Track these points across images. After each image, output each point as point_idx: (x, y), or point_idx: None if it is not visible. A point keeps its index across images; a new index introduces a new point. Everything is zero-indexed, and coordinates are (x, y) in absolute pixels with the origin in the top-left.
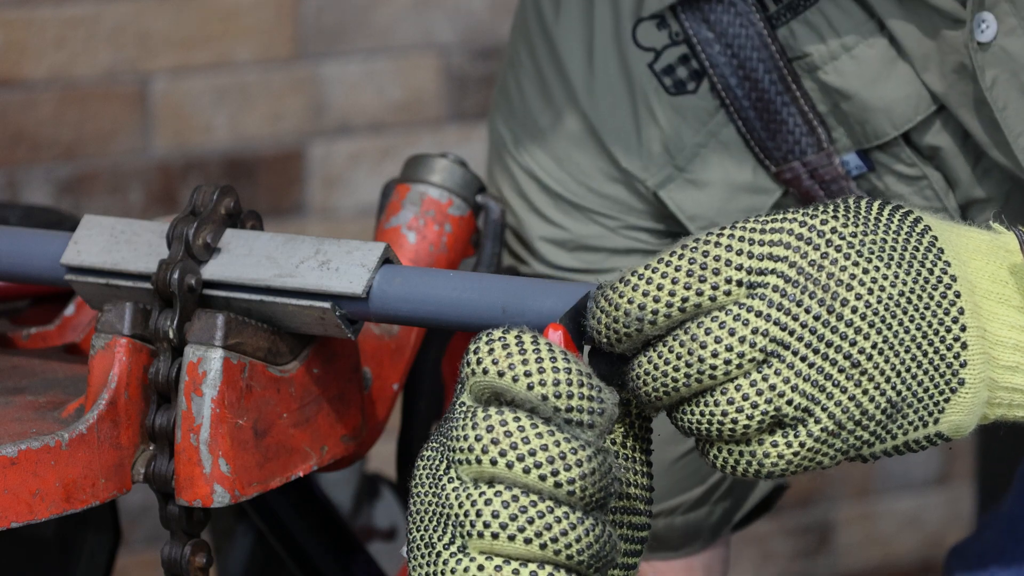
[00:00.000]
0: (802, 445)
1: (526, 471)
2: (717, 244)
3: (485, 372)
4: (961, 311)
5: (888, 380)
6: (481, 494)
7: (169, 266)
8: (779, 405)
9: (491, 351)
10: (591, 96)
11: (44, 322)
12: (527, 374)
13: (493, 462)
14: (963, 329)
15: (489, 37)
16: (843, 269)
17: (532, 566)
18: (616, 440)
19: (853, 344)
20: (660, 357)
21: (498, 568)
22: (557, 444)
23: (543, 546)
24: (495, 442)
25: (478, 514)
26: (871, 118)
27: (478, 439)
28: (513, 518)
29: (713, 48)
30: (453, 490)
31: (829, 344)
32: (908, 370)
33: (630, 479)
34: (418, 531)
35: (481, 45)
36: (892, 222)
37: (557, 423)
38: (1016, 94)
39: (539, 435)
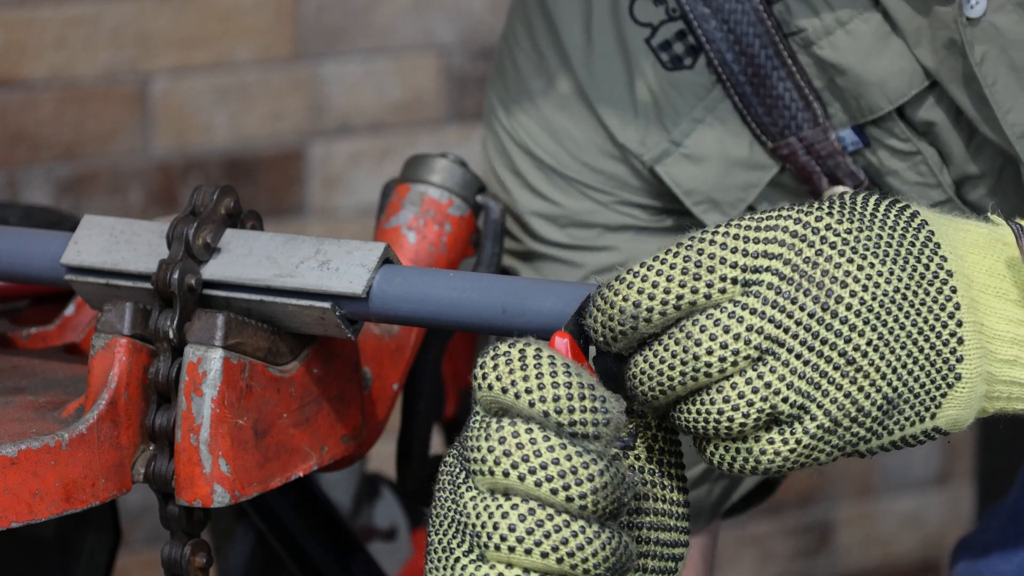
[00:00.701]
0: (798, 442)
1: (538, 484)
2: (712, 242)
3: (490, 388)
4: (957, 306)
5: (884, 377)
6: (498, 506)
7: (169, 266)
8: (775, 403)
9: (495, 367)
10: (588, 71)
11: (44, 322)
12: (528, 391)
13: (506, 474)
14: (959, 324)
15: (489, 37)
16: (838, 266)
17: None
18: (640, 456)
19: (848, 341)
20: (656, 356)
21: None
22: (568, 458)
23: (559, 560)
24: (507, 454)
25: (495, 527)
26: (865, 92)
27: (491, 451)
28: (529, 532)
29: (709, 24)
30: (471, 499)
31: (824, 341)
32: (904, 366)
33: (658, 494)
34: (437, 536)
35: (481, 45)
36: (888, 217)
37: (565, 435)
38: (1005, 70)
39: (550, 448)
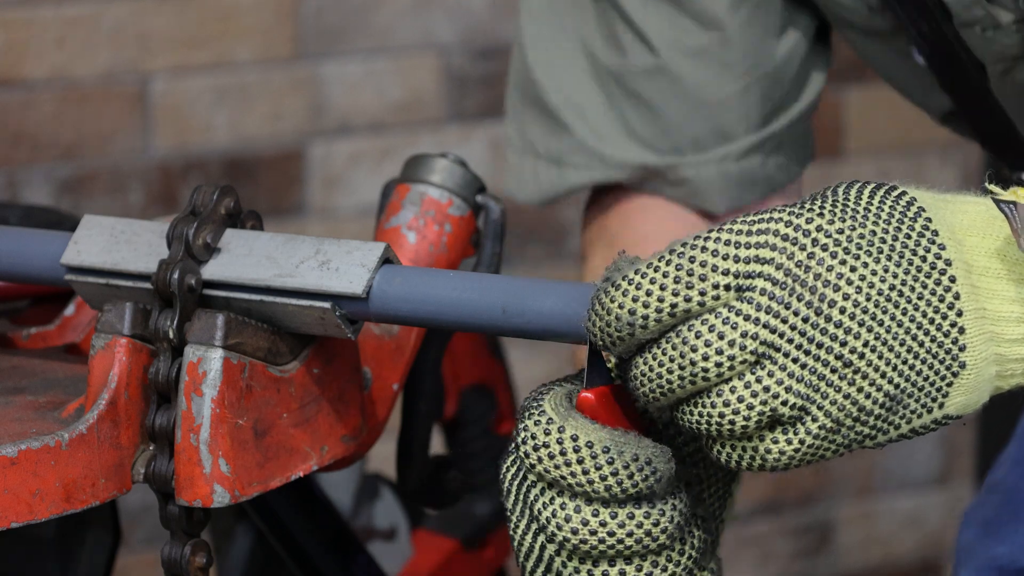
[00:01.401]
0: (802, 442)
1: (615, 551)
2: (704, 249)
3: (539, 476)
4: (957, 296)
5: (884, 375)
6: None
7: (169, 266)
8: (774, 406)
9: (540, 459)
10: None
11: (44, 322)
12: (579, 484)
13: (576, 548)
14: (959, 314)
15: (489, 37)
16: (830, 269)
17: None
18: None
19: (844, 344)
20: (655, 359)
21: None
22: (633, 527)
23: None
24: (574, 532)
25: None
26: None
27: (559, 527)
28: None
29: None
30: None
31: (819, 345)
32: (905, 363)
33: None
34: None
35: (481, 45)
36: (883, 210)
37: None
38: None
39: (615, 519)
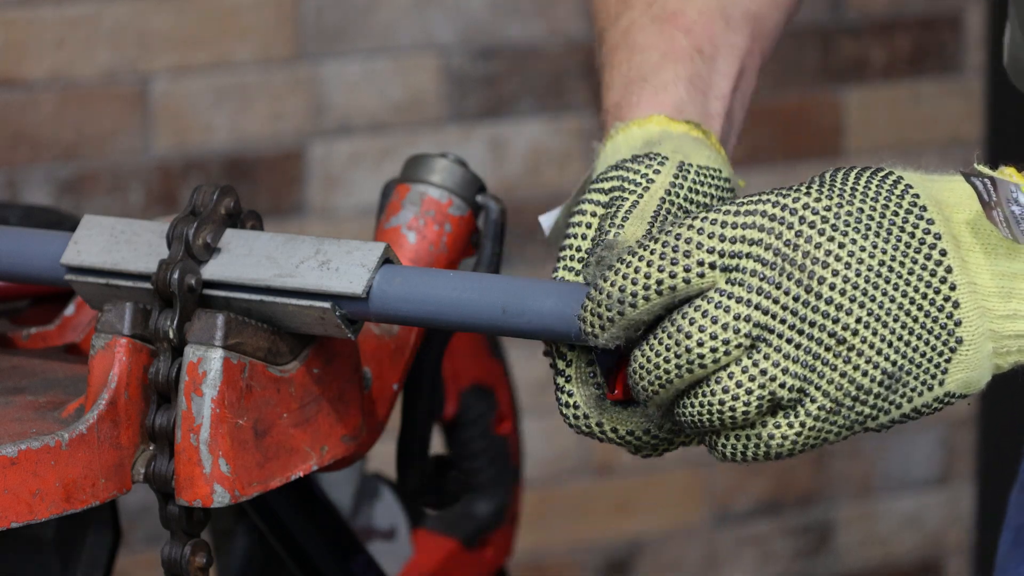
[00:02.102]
0: (803, 425)
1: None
2: (691, 227)
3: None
4: (949, 269)
5: (880, 352)
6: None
7: (169, 266)
8: (773, 389)
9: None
10: None
11: (44, 322)
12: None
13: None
14: (952, 288)
15: (489, 37)
16: (818, 246)
17: None
18: None
19: (836, 321)
20: (652, 350)
21: None
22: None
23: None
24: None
25: None
26: None
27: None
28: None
29: None
30: None
31: (812, 324)
32: (901, 339)
33: None
34: None
35: (481, 45)
36: (870, 189)
37: None
38: None
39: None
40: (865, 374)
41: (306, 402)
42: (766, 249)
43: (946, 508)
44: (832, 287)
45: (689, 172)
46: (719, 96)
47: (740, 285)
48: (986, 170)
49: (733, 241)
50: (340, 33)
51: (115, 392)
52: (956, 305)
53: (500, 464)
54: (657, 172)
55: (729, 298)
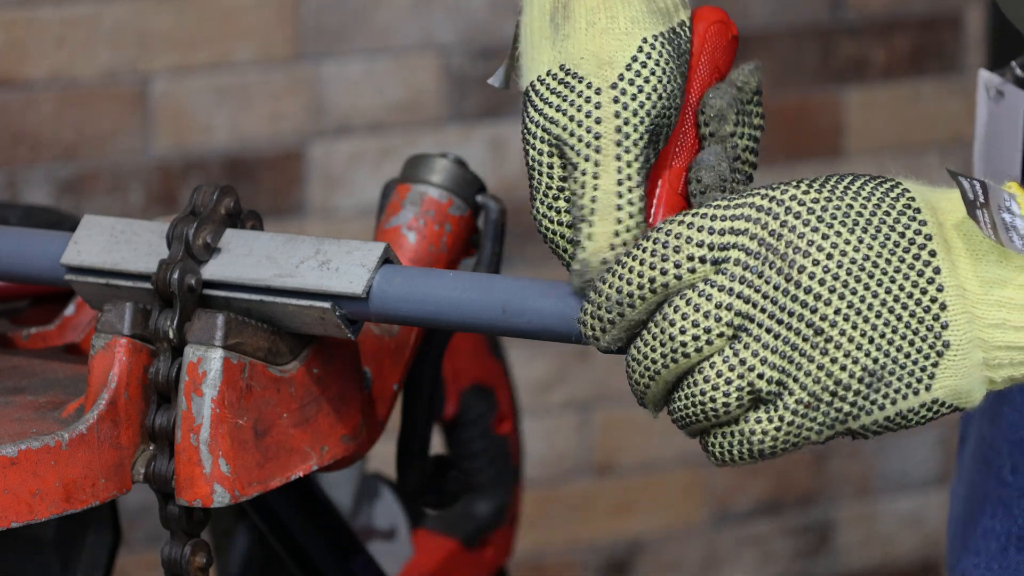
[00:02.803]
0: (782, 419)
1: None
2: (681, 223)
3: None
4: (937, 270)
5: (860, 347)
6: None
7: (169, 266)
8: (752, 380)
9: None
10: None
11: (44, 322)
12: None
13: None
14: (940, 289)
15: (489, 37)
16: (801, 236)
17: None
18: None
19: (814, 311)
20: (642, 342)
21: None
22: None
23: None
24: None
25: None
26: None
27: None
28: None
29: None
30: None
31: (792, 313)
32: (883, 336)
33: None
34: None
35: (481, 45)
36: (864, 189)
37: None
38: None
39: None
40: (844, 368)
41: (306, 402)
42: (751, 239)
43: (946, 508)
44: (811, 276)
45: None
46: None
47: (724, 274)
48: (990, 181)
49: (722, 233)
50: (340, 33)
51: (115, 392)
52: (943, 307)
53: (500, 464)
54: (599, 121)
55: (712, 287)
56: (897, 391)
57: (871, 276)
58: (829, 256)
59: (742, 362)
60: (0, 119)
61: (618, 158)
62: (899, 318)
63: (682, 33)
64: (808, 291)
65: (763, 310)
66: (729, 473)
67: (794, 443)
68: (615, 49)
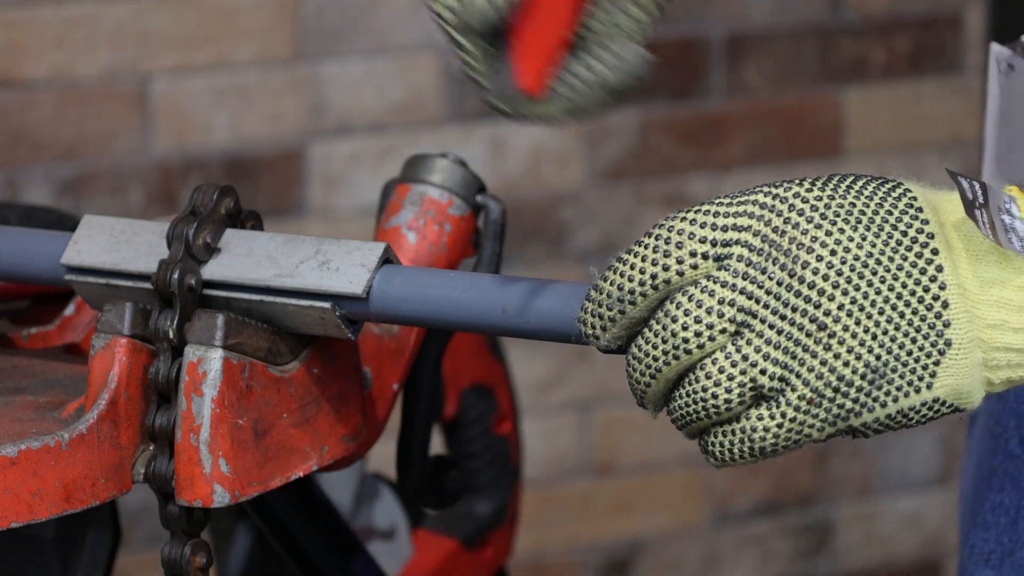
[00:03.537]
0: (784, 416)
1: None
2: (683, 219)
3: None
4: (939, 269)
5: (863, 344)
6: None
7: (169, 266)
8: (754, 376)
9: None
10: None
11: (44, 322)
12: None
13: None
14: (942, 288)
15: None
16: (804, 232)
17: None
18: None
19: (818, 307)
20: (644, 339)
21: None
22: None
23: None
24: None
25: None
26: None
27: None
28: None
29: None
30: None
31: (795, 309)
32: (885, 332)
33: None
34: None
35: None
36: (866, 187)
37: None
38: None
39: None
40: (847, 364)
41: (306, 402)
42: (754, 235)
43: (946, 508)
44: (815, 272)
45: None
46: None
47: (727, 270)
48: (990, 183)
49: (725, 230)
50: (340, 33)
51: (115, 392)
52: (945, 305)
53: (500, 464)
54: None
55: (715, 283)
56: (899, 388)
57: (874, 273)
58: (833, 253)
59: (744, 358)
60: (0, 119)
61: None
62: (902, 315)
63: None
64: (812, 287)
65: (766, 306)
66: (729, 473)
67: (795, 440)
68: None
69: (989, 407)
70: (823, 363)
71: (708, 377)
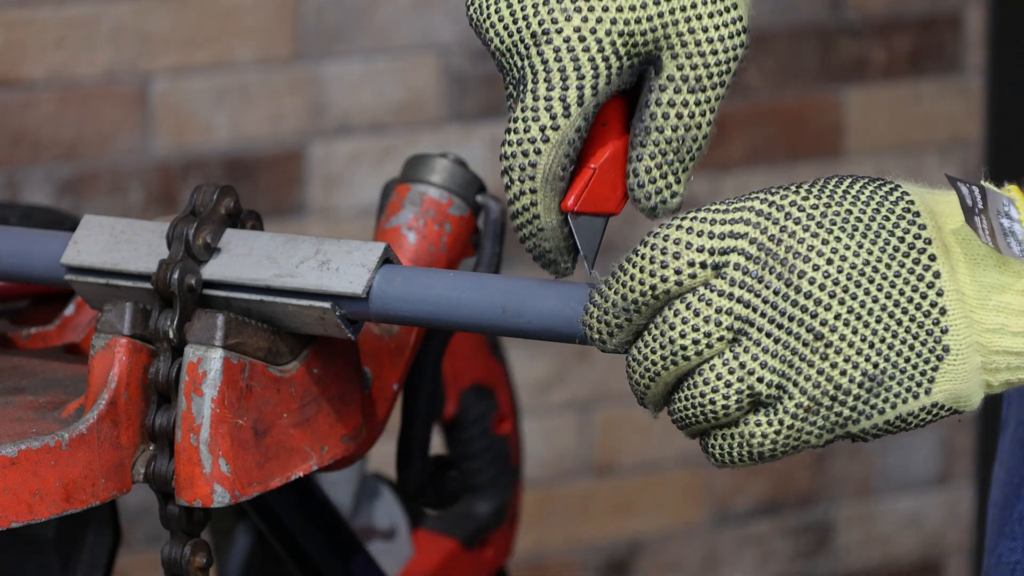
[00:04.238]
0: (781, 423)
1: None
2: (679, 227)
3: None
4: (937, 275)
5: (860, 352)
6: None
7: (169, 266)
8: (751, 383)
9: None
10: None
11: (44, 322)
12: None
13: None
14: (940, 293)
15: None
16: (801, 241)
17: None
18: None
19: (815, 316)
20: (644, 344)
21: None
22: None
23: None
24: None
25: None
26: None
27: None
28: None
29: None
30: None
31: (792, 318)
32: (883, 340)
33: None
34: None
35: (481, 45)
36: (863, 193)
37: None
38: None
39: None
40: (844, 373)
41: (306, 402)
42: (751, 243)
43: (946, 508)
44: (812, 282)
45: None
46: None
47: (724, 279)
48: (989, 185)
49: (722, 238)
50: (340, 33)
51: (115, 392)
52: (943, 311)
53: (500, 464)
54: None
55: (712, 291)
56: (897, 395)
57: (871, 281)
58: (829, 261)
59: (742, 365)
60: (0, 119)
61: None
62: (899, 322)
63: None
64: (808, 296)
65: (763, 315)
66: (729, 473)
67: (794, 446)
68: None
69: (1020, 415)
70: (820, 372)
71: (706, 383)
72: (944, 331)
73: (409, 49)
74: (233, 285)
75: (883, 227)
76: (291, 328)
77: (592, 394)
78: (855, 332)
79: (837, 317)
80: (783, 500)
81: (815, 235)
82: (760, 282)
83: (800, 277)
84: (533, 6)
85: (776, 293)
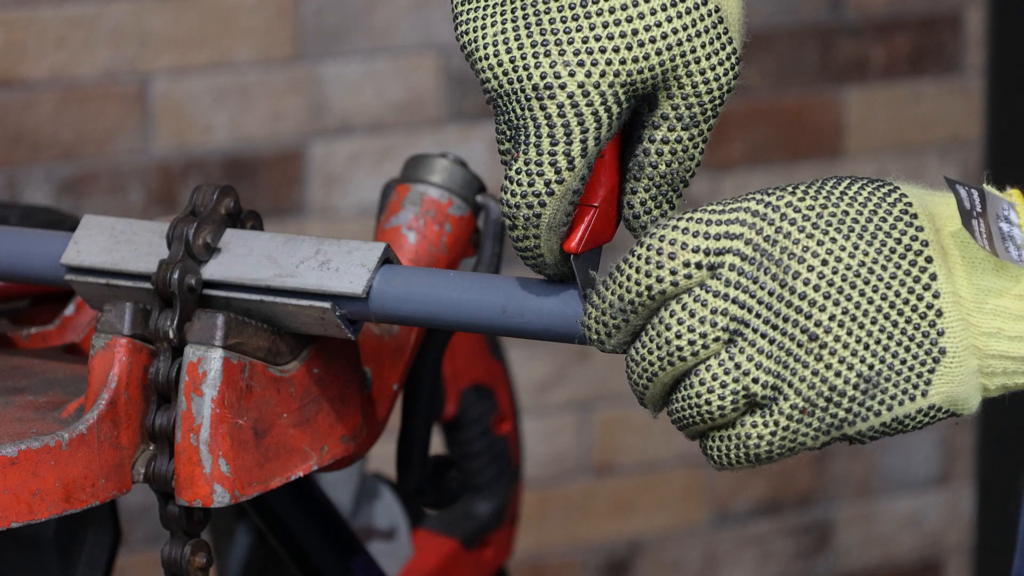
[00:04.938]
0: (777, 424)
1: None
2: (675, 228)
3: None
4: (933, 277)
5: (855, 353)
6: None
7: (169, 266)
8: (746, 384)
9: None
10: None
11: (44, 322)
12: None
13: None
14: (936, 296)
15: None
16: (796, 242)
17: None
18: None
19: (809, 317)
20: (641, 344)
21: None
22: None
23: None
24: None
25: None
26: None
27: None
28: None
29: None
30: None
31: (786, 319)
32: (878, 342)
33: None
34: None
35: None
36: (860, 194)
37: None
38: None
39: None
40: (839, 374)
41: (306, 402)
42: (746, 244)
43: (946, 508)
44: (807, 283)
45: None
46: None
47: (719, 279)
48: (991, 188)
49: (718, 238)
50: (340, 33)
51: (115, 392)
52: (939, 314)
53: (500, 464)
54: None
55: (707, 292)
56: (893, 397)
57: (867, 282)
58: (824, 263)
59: (737, 366)
60: (0, 119)
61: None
62: (895, 324)
63: None
64: (803, 297)
65: (758, 315)
66: (729, 473)
67: (790, 448)
68: None
69: None
70: (814, 373)
71: (702, 384)
72: (940, 333)
73: (409, 49)
74: (233, 285)
75: (880, 228)
76: (291, 328)
77: (592, 394)
78: (850, 333)
79: (832, 318)
80: (783, 500)
81: (810, 236)
82: (755, 283)
83: (795, 278)
84: (534, 56)
85: (771, 294)
